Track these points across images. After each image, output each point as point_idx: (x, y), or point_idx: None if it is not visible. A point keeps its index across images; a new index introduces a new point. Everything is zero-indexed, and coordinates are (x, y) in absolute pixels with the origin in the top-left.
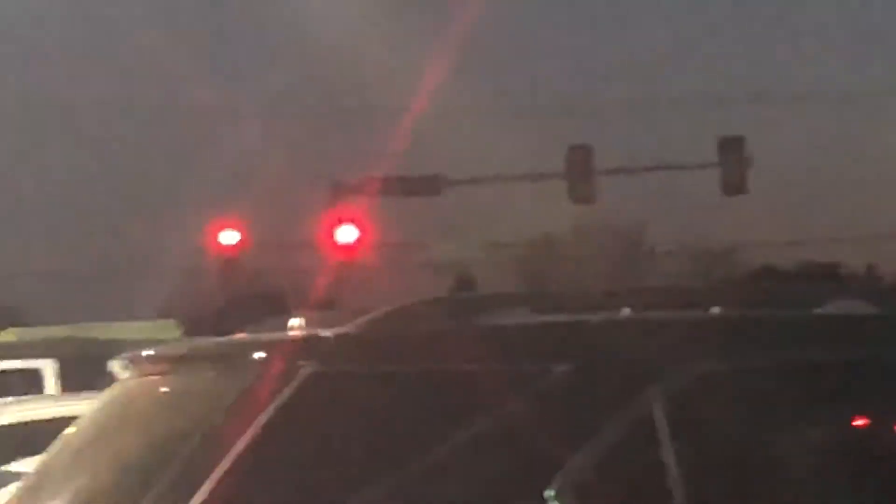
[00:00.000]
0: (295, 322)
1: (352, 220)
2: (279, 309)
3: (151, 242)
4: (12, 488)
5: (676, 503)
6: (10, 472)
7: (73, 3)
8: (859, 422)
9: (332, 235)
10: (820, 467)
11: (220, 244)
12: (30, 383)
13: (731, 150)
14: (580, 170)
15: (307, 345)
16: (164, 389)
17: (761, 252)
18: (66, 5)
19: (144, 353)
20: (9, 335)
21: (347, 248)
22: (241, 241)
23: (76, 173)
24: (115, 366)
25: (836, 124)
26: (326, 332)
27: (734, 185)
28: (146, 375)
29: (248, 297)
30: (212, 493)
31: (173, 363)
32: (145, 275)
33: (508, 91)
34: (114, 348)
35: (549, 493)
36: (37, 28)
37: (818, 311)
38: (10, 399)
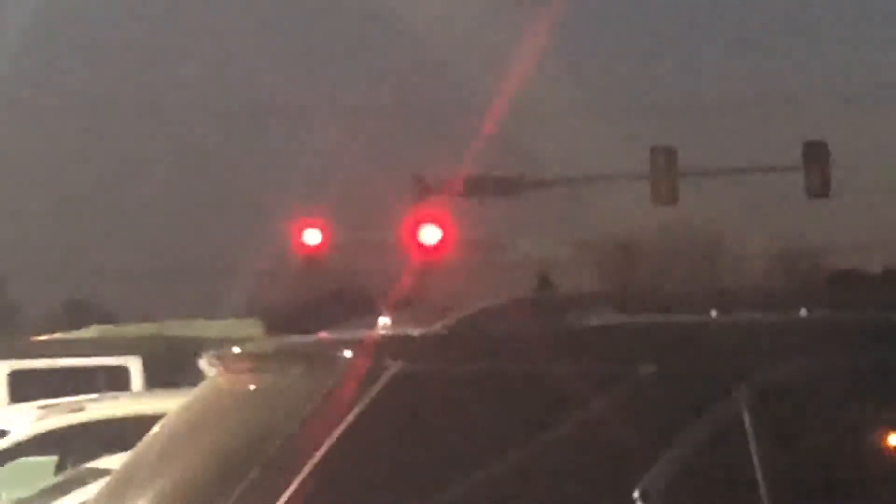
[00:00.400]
0: (382, 321)
1: (435, 220)
2: (362, 308)
3: (235, 241)
4: (99, 485)
5: None
6: (96, 468)
7: (157, 1)
8: None
9: (415, 235)
10: None
11: (302, 243)
12: (114, 380)
13: (815, 153)
14: (663, 171)
15: (395, 344)
16: (251, 387)
17: (844, 255)
18: (152, 4)
19: (233, 350)
20: (93, 332)
21: (430, 247)
22: (323, 239)
23: (161, 173)
24: (203, 363)
25: None
26: (414, 332)
27: (818, 189)
28: (234, 373)
29: (331, 296)
30: (299, 491)
31: (261, 361)
32: (229, 273)
33: (593, 91)
34: (198, 346)
35: (636, 494)
36: (123, 27)
37: None
38: (95, 396)
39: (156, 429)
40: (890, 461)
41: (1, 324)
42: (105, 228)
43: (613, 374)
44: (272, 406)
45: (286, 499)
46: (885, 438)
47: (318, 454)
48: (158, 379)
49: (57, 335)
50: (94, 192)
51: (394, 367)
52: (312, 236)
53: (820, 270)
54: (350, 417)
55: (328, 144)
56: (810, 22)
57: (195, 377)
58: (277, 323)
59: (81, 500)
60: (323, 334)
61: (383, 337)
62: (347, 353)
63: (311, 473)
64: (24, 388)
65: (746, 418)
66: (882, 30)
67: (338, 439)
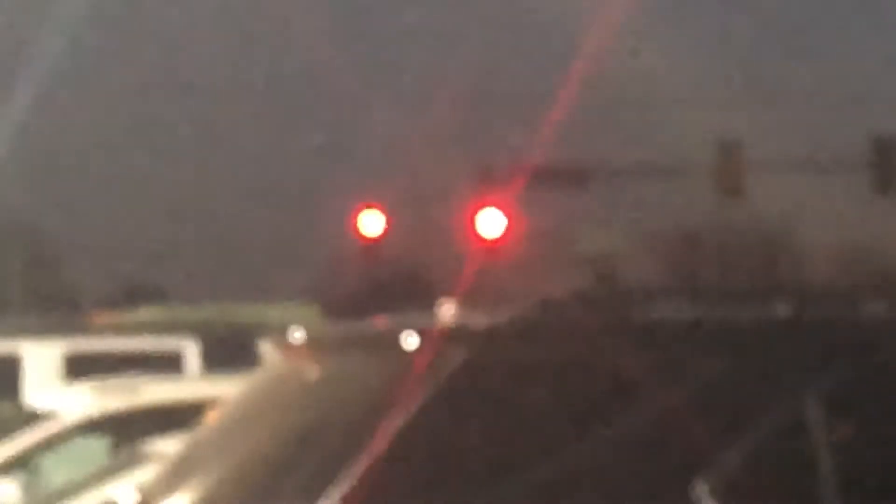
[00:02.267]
0: (446, 308)
1: (498, 209)
2: (421, 296)
3: (294, 225)
4: (153, 468)
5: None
6: (150, 451)
7: None
8: None
9: (476, 224)
10: None
11: (362, 229)
12: (171, 363)
13: (885, 150)
14: (730, 164)
15: (460, 333)
16: (313, 373)
17: None
18: None
19: (295, 336)
20: (151, 314)
21: (493, 237)
22: (384, 226)
23: (224, 155)
24: (263, 348)
25: None
26: (480, 321)
27: (886, 186)
28: (296, 358)
29: (390, 283)
30: (358, 478)
31: (325, 347)
32: (288, 257)
33: (660, 83)
34: (257, 330)
35: (696, 487)
36: (172, 7)
37: None
38: (151, 378)
39: (215, 413)
40: None
41: (59, 304)
42: (164, 211)
43: (679, 367)
44: (334, 393)
45: (347, 487)
46: None
47: (379, 441)
48: (216, 362)
49: (114, 316)
50: (153, 175)
51: (460, 357)
52: (373, 222)
53: (888, 269)
54: (413, 405)
55: (391, 130)
56: (883, 11)
57: (254, 361)
58: (336, 308)
59: (135, 483)
60: (383, 320)
61: (449, 326)
62: (413, 342)
63: (373, 462)
64: (79, 368)
65: (812, 417)
66: None
67: (400, 426)
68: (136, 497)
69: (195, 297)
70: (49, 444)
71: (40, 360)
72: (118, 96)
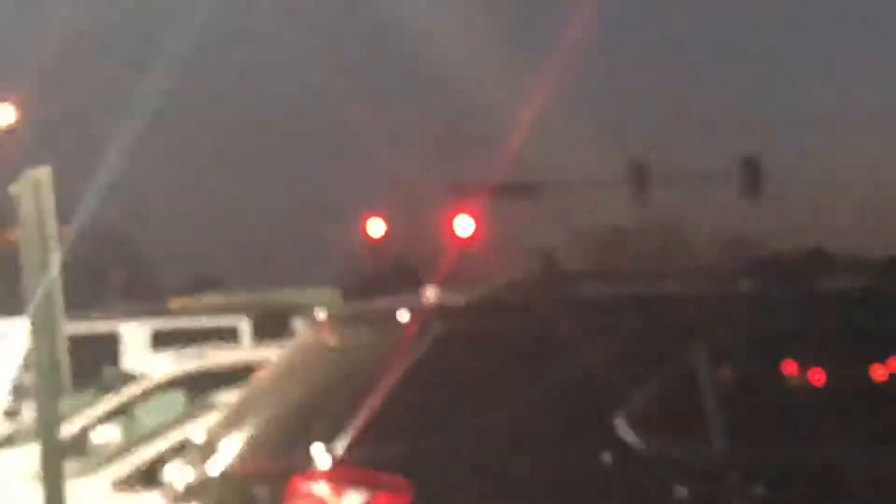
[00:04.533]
0: (431, 291)
1: (469, 215)
2: (415, 282)
3: (321, 230)
4: (219, 413)
5: (711, 427)
6: (216, 402)
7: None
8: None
9: (453, 226)
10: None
11: (369, 232)
12: (229, 336)
13: (748, 166)
14: (636, 179)
15: (441, 309)
16: (332, 343)
17: (777, 243)
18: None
19: (319, 314)
20: (213, 298)
21: (465, 236)
22: (385, 230)
23: (270, 179)
24: (297, 324)
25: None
26: (456, 299)
27: (750, 192)
28: (320, 331)
29: (391, 272)
30: (365, 421)
31: (340, 322)
32: (316, 255)
33: (590, 109)
34: (293, 310)
35: (618, 419)
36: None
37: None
38: (215, 347)
39: (262, 373)
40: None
41: (146, 294)
42: (224, 221)
43: (604, 330)
44: (348, 357)
45: (357, 430)
46: (803, 387)
47: (382, 394)
48: (263, 335)
49: (187, 302)
50: (214, 195)
51: (440, 327)
52: (376, 227)
53: (760, 255)
54: (407, 366)
55: (388, 157)
56: (744, 42)
57: (291, 334)
58: (351, 292)
59: (204, 426)
60: (384, 300)
61: (432, 304)
62: (405, 316)
63: (375, 409)
64: (163, 341)
65: (700, 367)
66: (808, 53)
67: (397, 382)
68: (205, 436)
69: (247, 285)
70: (142, 397)
71: (134, 336)
72: (185, 136)
